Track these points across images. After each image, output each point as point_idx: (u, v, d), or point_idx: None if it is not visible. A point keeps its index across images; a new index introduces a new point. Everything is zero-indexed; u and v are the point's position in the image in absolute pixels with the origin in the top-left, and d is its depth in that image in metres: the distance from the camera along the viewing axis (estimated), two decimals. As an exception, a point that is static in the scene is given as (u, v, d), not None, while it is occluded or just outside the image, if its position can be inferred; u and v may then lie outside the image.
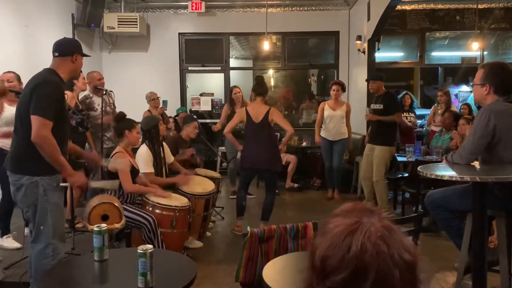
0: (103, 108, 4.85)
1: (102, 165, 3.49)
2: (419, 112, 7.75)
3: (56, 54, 2.77)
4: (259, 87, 4.73)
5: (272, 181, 4.74)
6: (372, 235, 0.79)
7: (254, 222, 4.47)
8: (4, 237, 4.15)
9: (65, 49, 2.79)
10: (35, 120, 2.53)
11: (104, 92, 4.92)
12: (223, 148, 8.11)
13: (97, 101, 4.99)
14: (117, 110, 5.41)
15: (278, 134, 6.10)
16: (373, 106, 5.51)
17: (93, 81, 5.04)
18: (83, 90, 5.02)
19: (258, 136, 4.56)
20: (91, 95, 5.07)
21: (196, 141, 5.92)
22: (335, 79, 8.47)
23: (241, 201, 4.70)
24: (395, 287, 0.77)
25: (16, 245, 4.08)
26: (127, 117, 3.87)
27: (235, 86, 6.37)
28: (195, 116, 7.62)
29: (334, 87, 6.15)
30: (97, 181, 3.49)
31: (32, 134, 2.52)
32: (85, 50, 3.03)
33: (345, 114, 6.14)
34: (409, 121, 6.89)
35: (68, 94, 4.46)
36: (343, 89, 6.24)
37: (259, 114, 4.57)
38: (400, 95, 7.19)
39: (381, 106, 5.31)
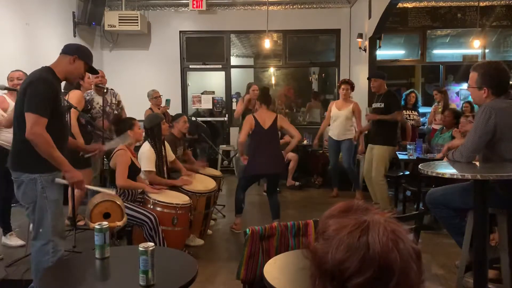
0: (103, 108, 4.84)
1: (104, 149, 3.46)
2: (420, 110, 7.73)
3: (61, 51, 2.83)
4: (265, 97, 4.77)
5: (277, 181, 4.89)
6: (386, 231, 0.77)
7: (257, 222, 4.47)
8: (8, 234, 4.16)
9: (69, 49, 2.84)
10: (28, 117, 2.56)
11: (105, 90, 4.91)
12: (224, 146, 8.13)
13: (97, 99, 4.99)
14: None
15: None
16: (374, 105, 5.47)
17: (92, 79, 5.05)
18: (89, 90, 5.03)
19: (266, 142, 4.60)
20: (92, 93, 5.07)
21: (198, 140, 5.92)
22: (337, 77, 8.47)
23: (241, 203, 4.76)
24: (414, 280, 0.77)
25: (20, 242, 4.09)
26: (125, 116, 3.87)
27: (252, 83, 6.40)
28: (194, 118, 7.63)
29: (343, 86, 6.11)
30: (93, 186, 3.50)
31: (26, 131, 2.55)
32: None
33: (351, 114, 6.06)
34: (412, 119, 6.88)
35: (77, 93, 4.48)
36: (352, 88, 6.17)
37: (267, 120, 4.62)
38: (406, 92, 7.17)
39: (382, 105, 5.27)
